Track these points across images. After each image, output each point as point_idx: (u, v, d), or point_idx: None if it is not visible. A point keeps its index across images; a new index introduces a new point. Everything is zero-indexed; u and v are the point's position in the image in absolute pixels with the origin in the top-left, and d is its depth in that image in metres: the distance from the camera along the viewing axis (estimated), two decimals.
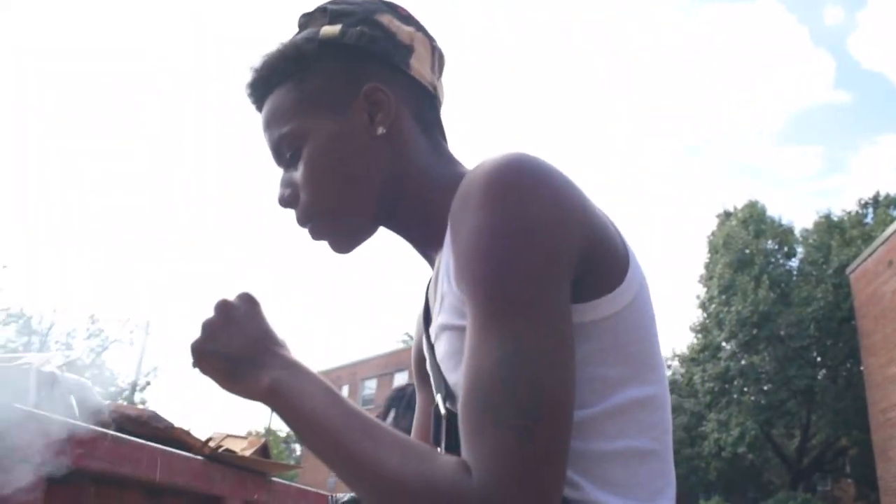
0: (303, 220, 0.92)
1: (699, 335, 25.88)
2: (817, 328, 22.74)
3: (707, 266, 25.85)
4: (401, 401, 2.39)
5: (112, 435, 1.50)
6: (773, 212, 28.87)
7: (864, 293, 16.80)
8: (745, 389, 23.97)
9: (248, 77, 0.93)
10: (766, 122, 60.51)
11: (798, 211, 67.22)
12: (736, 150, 58.60)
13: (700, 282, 26.21)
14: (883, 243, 15.75)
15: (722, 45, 59.16)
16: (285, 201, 0.92)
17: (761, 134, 59.09)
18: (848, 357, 22.61)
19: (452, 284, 0.78)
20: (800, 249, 25.62)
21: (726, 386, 24.04)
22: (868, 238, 22.47)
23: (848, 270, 18.50)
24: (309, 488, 2.62)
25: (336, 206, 0.90)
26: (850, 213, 25.81)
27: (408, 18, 0.94)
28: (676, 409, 26.20)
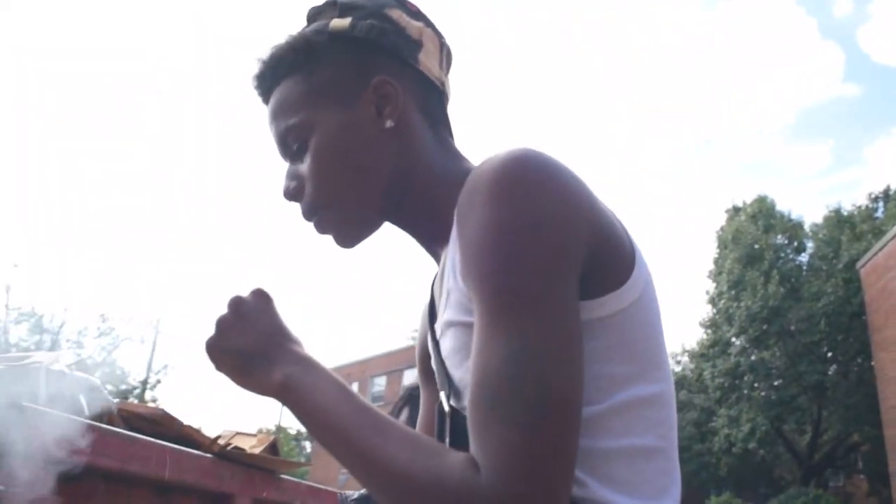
0: (308, 213, 0.92)
1: (708, 331, 25.81)
2: (828, 323, 22.63)
3: (716, 261, 25.77)
4: (416, 399, 2.39)
5: (121, 433, 1.50)
6: (782, 207, 28.76)
7: (874, 288, 16.71)
8: (756, 385, 23.89)
9: (255, 68, 0.93)
10: (775, 117, 60.29)
11: (808, 206, 66.99)
12: (745, 146, 58.41)
13: (709, 277, 26.14)
14: (894, 237, 15.66)
15: (729, 39, 58.94)
16: (290, 194, 0.92)
17: (770, 129, 58.88)
18: (859, 352, 22.51)
19: (459, 280, 0.78)
20: (810, 244, 25.51)
21: (736, 382, 23.98)
22: (879, 232, 22.34)
23: (858, 265, 18.40)
24: (319, 486, 2.63)
25: (342, 198, 0.89)
26: (860, 207, 25.67)
27: (417, 14, 0.94)
28: (686, 405, 26.17)
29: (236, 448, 2.00)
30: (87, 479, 1.32)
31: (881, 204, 25.85)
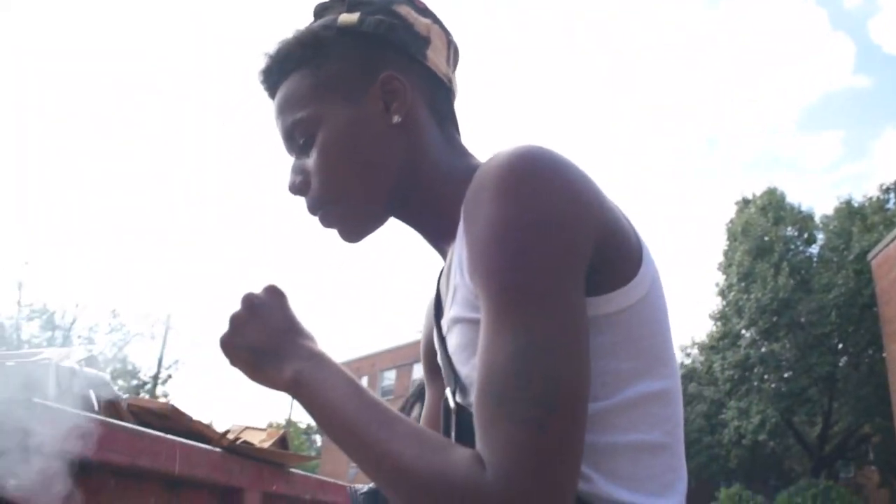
0: (314, 208, 0.91)
1: (718, 323, 25.72)
2: (838, 315, 22.52)
3: (726, 254, 25.67)
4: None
5: (130, 428, 1.51)
6: (793, 199, 28.58)
7: (885, 279, 16.62)
8: (766, 377, 23.82)
9: (262, 63, 0.93)
10: (785, 109, 59.92)
11: (819, 198, 66.60)
12: (755, 139, 58.07)
13: (719, 269, 26.04)
14: None
15: (737, 33, 58.58)
16: (296, 188, 0.92)
17: (780, 122, 58.51)
18: (870, 344, 22.40)
19: (466, 277, 0.78)
20: (820, 236, 25.36)
21: (746, 374, 23.91)
22: (889, 224, 22.21)
23: (869, 256, 18.30)
24: (328, 479, 2.64)
25: (349, 193, 0.89)
26: (871, 198, 25.46)
27: (425, 10, 0.94)
28: (696, 397, 26.10)
29: (245, 442, 2.01)
30: (97, 474, 1.33)
31: (892, 195, 25.64)
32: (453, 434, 0.85)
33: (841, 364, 23.53)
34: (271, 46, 0.92)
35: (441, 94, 0.94)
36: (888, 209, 24.82)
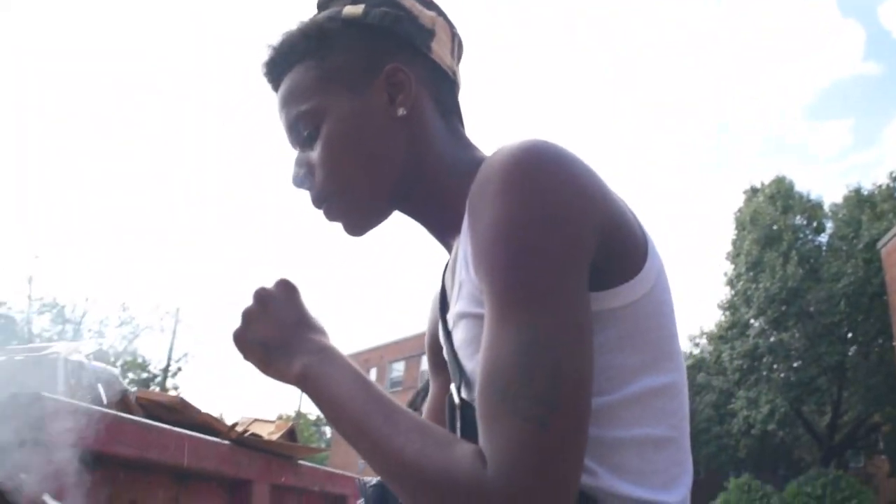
0: (318, 201, 0.91)
1: (727, 312, 25.63)
2: (848, 304, 22.42)
3: (734, 243, 25.56)
4: None
5: (139, 421, 1.52)
6: (802, 188, 28.38)
7: (895, 268, 16.53)
8: (775, 367, 23.75)
9: (265, 55, 0.93)
10: (794, 98, 59.52)
11: (828, 186, 66.25)
12: (763, 128, 57.70)
13: (727, 259, 25.95)
14: None
15: (746, 22, 58.16)
16: (300, 181, 0.92)
17: (789, 110, 58.18)
18: (880, 333, 22.30)
19: (471, 272, 0.78)
20: (829, 224, 25.22)
21: (755, 363, 23.84)
22: None
23: (879, 245, 18.22)
24: (337, 471, 2.65)
25: (353, 186, 0.89)
26: (880, 186, 25.26)
27: (429, 3, 0.94)
28: (705, 388, 26.06)
29: (254, 435, 2.02)
30: (106, 466, 1.34)
31: None
32: (458, 429, 0.85)
33: (850, 353, 23.42)
34: (275, 38, 0.92)
35: (445, 86, 0.94)
36: None
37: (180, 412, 1.99)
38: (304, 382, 0.79)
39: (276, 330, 0.82)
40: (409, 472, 0.68)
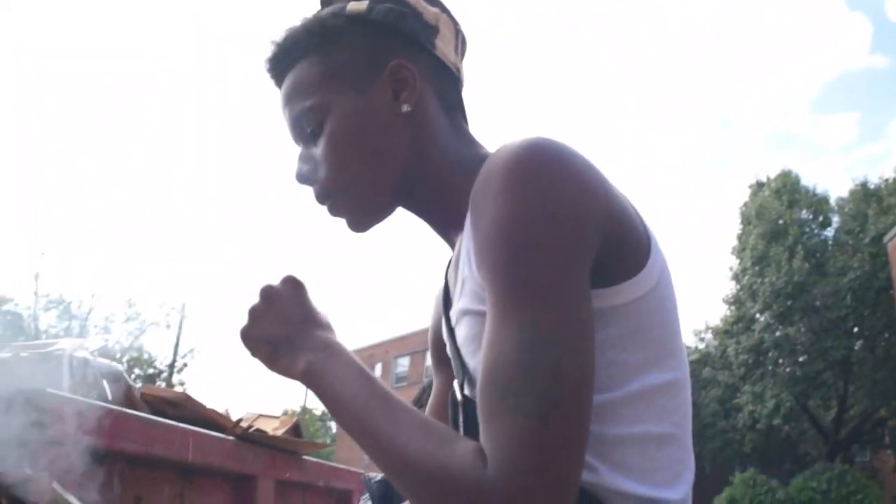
0: (322, 197, 0.91)
1: (732, 307, 25.57)
2: (854, 298, 22.35)
3: (739, 237, 25.49)
4: None
5: (144, 417, 1.53)
6: (808, 182, 28.23)
7: None
8: (780, 361, 23.69)
9: (268, 51, 0.92)
10: (800, 91, 59.30)
11: (834, 180, 65.97)
12: (769, 122, 57.51)
13: (733, 253, 25.89)
14: None
15: (754, 14, 57.93)
16: (303, 177, 0.91)
17: (795, 104, 57.93)
18: (886, 327, 22.24)
19: (473, 269, 0.78)
20: (835, 219, 25.12)
21: (761, 358, 23.79)
22: None
23: (885, 239, 18.16)
24: (342, 466, 2.66)
25: (357, 182, 0.89)
26: (887, 180, 25.13)
27: (433, 0, 0.94)
28: (710, 382, 26.01)
29: (258, 430, 2.02)
30: (112, 462, 1.34)
31: None
32: (461, 426, 0.85)
33: (856, 348, 23.35)
34: (278, 34, 0.92)
35: (449, 83, 0.93)
36: None
37: (185, 408, 2.00)
38: (309, 379, 0.79)
39: (281, 327, 0.82)
40: (410, 470, 0.68)
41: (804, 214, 24.66)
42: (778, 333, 23.39)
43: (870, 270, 22.14)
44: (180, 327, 29.53)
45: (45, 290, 28.36)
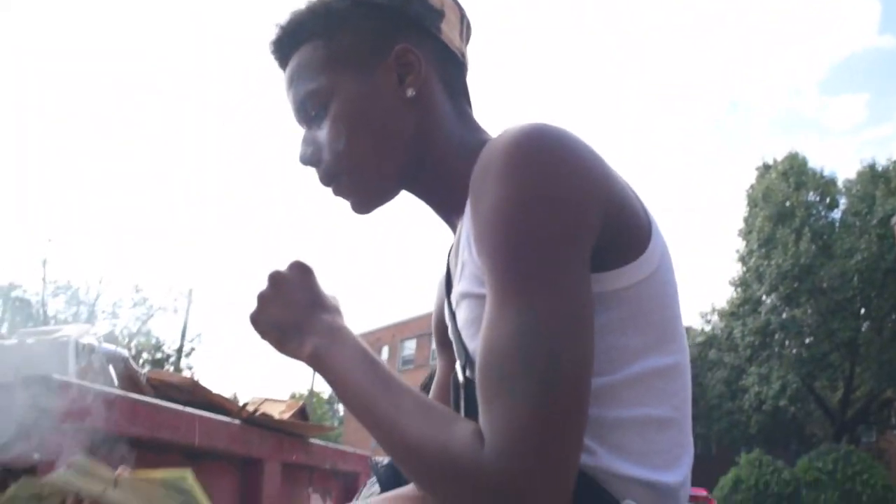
0: (326, 179, 0.91)
1: (739, 289, 25.54)
2: (861, 280, 22.31)
3: (746, 220, 25.42)
4: None
5: (150, 402, 1.53)
6: (816, 163, 27.98)
7: None
8: (787, 343, 23.71)
9: (273, 34, 0.92)
10: (808, 72, 58.82)
11: (842, 162, 65.54)
12: (777, 104, 57.14)
13: (739, 236, 25.82)
14: None
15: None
16: (307, 159, 0.92)
17: (803, 85, 57.47)
18: (893, 308, 22.23)
19: (473, 253, 0.78)
20: (842, 200, 25.00)
21: (767, 340, 23.80)
22: None
23: (893, 221, 18.06)
24: (348, 449, 2.67)
25: (361, 165, 0.89)
26: (895, 161, 25.04)
27: None
28: (716, 364, 26.03)
29: (264, 414, 2.03)
30: (117, 447, 1.35)
31: None
32: (462, 408, 0.85)
33: (863, 329, 23.35)
34: (283, 17, 0.92)
35: (454, 68, 0.93)
36: None
37: (191, 392, 2.00)
38: (315, 362, 0.80)
39: (289, 312, 0.83)
40: (411, 452, 0.69)
41: (811, 196, 24.56)
42: (784, 315, 23.39)
43: (877, 252, 22.07)
44: (188, 312, 29.70)
45: (53, 276, 28.56)
